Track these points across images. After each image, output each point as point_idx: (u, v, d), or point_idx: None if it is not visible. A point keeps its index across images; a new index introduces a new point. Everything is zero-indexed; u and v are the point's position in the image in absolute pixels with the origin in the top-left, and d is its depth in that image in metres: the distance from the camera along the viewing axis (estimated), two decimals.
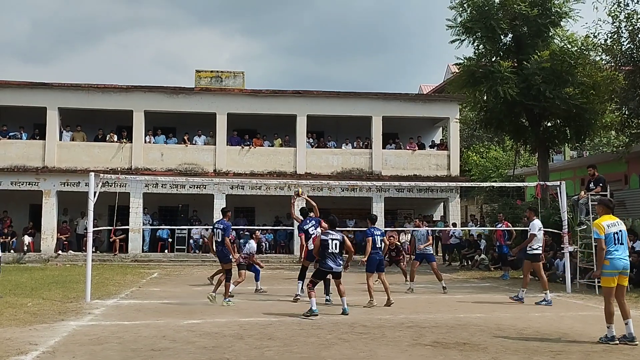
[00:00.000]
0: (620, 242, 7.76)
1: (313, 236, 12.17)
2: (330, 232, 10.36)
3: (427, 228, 15.16)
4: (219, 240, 11.54)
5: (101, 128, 25.57)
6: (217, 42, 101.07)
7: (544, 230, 15.49)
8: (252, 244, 13.41)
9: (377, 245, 11.48)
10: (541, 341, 7.95)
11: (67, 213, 25.13)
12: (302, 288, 11.78)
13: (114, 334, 8.28)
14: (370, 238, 11.33)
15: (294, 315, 9.96)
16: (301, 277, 12.10)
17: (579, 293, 13.63)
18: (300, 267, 12.71)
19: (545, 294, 11.77)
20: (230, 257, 11.54)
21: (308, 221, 12.55)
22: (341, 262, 10.30)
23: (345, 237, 10.44)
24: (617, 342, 7.59)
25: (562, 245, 14.61)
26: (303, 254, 12.88)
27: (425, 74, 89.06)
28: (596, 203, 8.64)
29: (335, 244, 10.16)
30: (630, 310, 7.91)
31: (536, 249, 11.97)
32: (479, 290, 14.45)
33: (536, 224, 12.14)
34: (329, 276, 10.58)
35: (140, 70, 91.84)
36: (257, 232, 15.17)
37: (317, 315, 9.65)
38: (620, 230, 7.81)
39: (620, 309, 7.74)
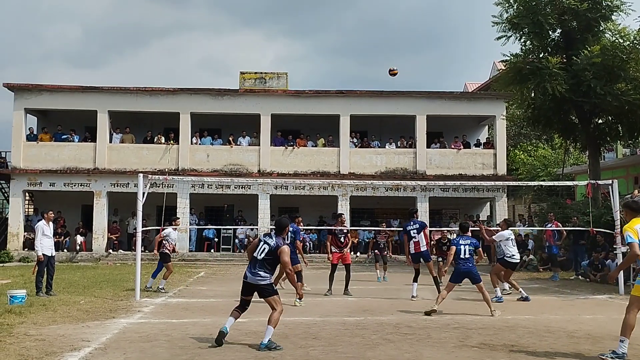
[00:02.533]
0: None
1: (415, 240, 12.25)
2: (271, 235, 7.87)
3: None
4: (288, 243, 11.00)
5: (149, 130, 26.17)
6: (261, 43, 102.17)
7: (596, 230, 15.10)
8: (169, 231, 13.89)
9: (463, 256, 10.59)
10: (593, 345, 7.72)
11: (117, 213, 25.82)
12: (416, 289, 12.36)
13: (163, 332, 8.46)
14: (454, 247, 10.71)
15: (338, 315, 9.96)
16: (415, 279, 12.50)
17: None
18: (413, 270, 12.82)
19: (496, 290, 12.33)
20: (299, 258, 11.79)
21: (412, 223, 12.42)
22: (266, 274, 7.64)
23: (284, 250, 7.66)
24: None
25: (614, 246, 14.19)
26: (408, 256, 12.71)
27: (470, 72, 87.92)
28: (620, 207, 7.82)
29: (264, 249, 7.68)
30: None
31: (509, 257, 12.62)
32: (527, 292, 14.09)
33: (503, 234, 12.73)
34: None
35: (186, 73, 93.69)
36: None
37: (224, 333, 7.57)
38: None
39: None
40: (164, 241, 13.82)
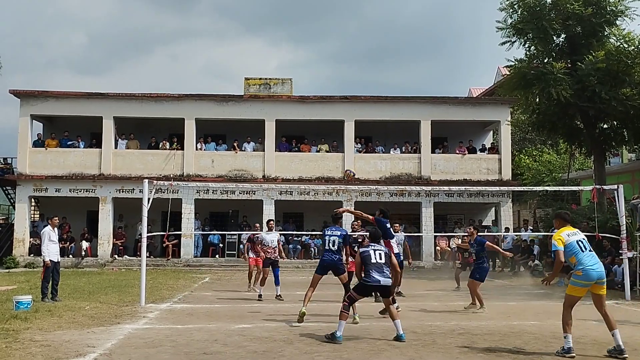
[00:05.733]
0: (588, 249, 7.47)
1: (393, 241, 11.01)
2: (372, 244, 8.92)
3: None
4: (335, 249, 9.97)
5: (154, 136, 26.24)
6: (265, 50, 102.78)
7: (602, 236, 15.02)
8: (263, 236, 13.83)
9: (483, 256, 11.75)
10: (599, 351, 7.69)
11: (123, 219, 25.86)
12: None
13: (168, 338, 8.46)
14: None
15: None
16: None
17: (639, 300, 13.12)
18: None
19: None
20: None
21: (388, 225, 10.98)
22: (389, 274, 8.65)
23: (392, 254, 9.03)
24: (574, 354, 7.26)
25: (620, 251, 14.12)
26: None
27: (475, 77, 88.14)
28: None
29: (380, 254, 8.63)
30: (615, 320, 7.44)
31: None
32: (532, 297, 14.10)
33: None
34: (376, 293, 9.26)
35: (190, 79, 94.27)
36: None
37: (340, 343, 8.02)
38: (583, 239, 7.57)
39: (605, 320, 7.41)
40: (261, 246, 13.76)
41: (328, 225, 11.03)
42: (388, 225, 10.76)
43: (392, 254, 9.02)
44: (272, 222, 14.68)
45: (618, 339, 7.26)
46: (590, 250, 7.49)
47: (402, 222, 25.82)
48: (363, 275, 8.64)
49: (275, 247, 13.55)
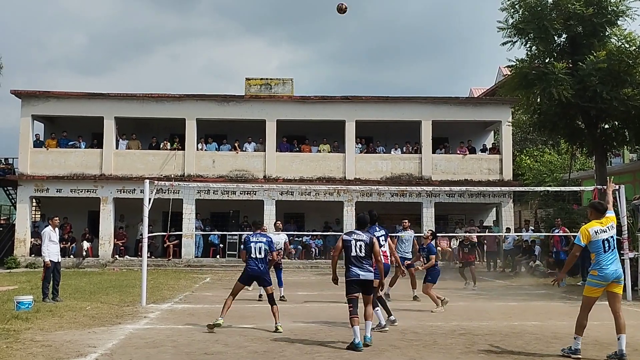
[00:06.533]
0: (611, 249, 7.29)
1: (382, 250, 9.55)
2: (356, 231, 8.30)
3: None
4: (261, 256, 9.49)
5: (155, 136, 26.25)
6: (265, 50, 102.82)
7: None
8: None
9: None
10: (600, 351, 7.68)
11: (124, 219, 25.86)
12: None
13: (169, 338, 8.47)
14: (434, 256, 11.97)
15: (344, 321, 9.93)
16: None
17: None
18: None
19: None
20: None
21: (378, 228, 9.90)
22: (371, 268, 8.07)
23: (375, 241, 8.29)
24: (580, 356, 7.23)
25: (621, 252, 14.10)
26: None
27: (476, 77, 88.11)
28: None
29: (360, 246, 8.04)
30: (625, 323, 7.29)
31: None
32: (533, 298, 14.10)
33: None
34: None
35: (191, 79, 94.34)
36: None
37: (361, 350, 7.61)
38: (611, 237, 7.34)
39: (615, 321, 7.28)
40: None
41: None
42: (376, 233, 9.30)
43: (375, 241, 8.21)
44: (279, 223, 14.74)
45: (622, 344, 7.16)
46: (612, 250, 7.29)
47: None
48: (345, 269, 8.08)
49: (281, 248, 13.60)
